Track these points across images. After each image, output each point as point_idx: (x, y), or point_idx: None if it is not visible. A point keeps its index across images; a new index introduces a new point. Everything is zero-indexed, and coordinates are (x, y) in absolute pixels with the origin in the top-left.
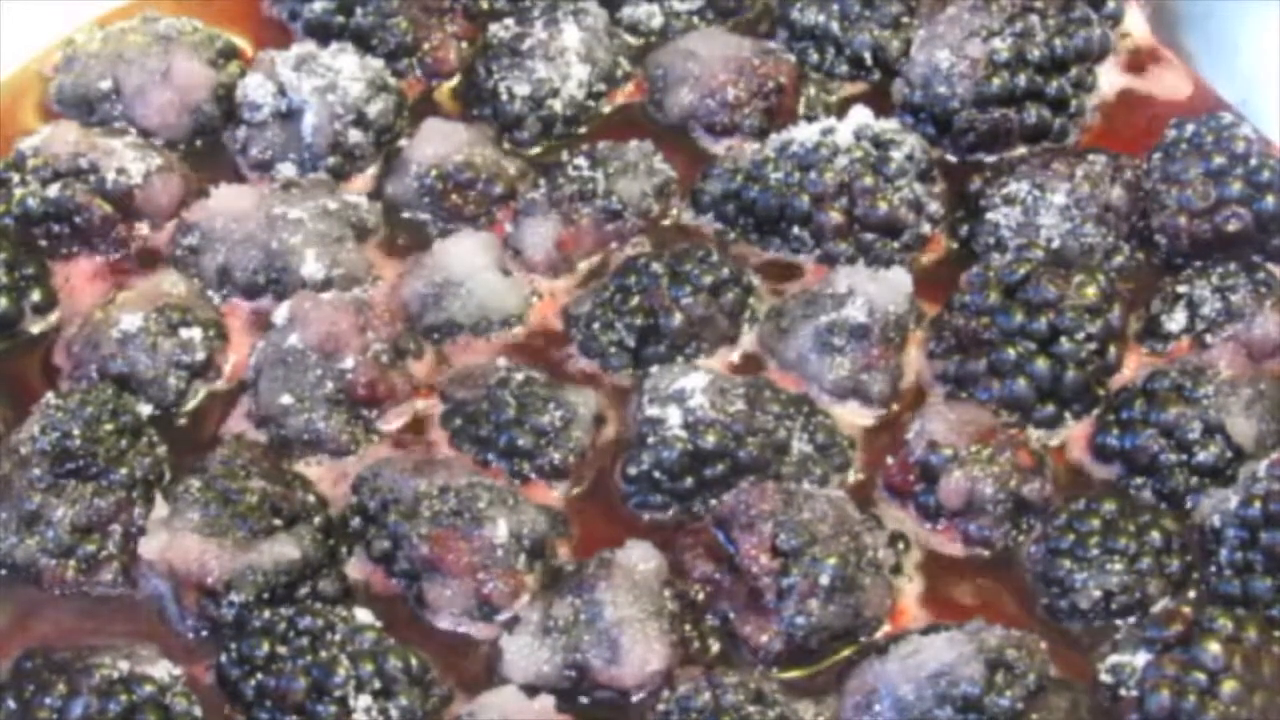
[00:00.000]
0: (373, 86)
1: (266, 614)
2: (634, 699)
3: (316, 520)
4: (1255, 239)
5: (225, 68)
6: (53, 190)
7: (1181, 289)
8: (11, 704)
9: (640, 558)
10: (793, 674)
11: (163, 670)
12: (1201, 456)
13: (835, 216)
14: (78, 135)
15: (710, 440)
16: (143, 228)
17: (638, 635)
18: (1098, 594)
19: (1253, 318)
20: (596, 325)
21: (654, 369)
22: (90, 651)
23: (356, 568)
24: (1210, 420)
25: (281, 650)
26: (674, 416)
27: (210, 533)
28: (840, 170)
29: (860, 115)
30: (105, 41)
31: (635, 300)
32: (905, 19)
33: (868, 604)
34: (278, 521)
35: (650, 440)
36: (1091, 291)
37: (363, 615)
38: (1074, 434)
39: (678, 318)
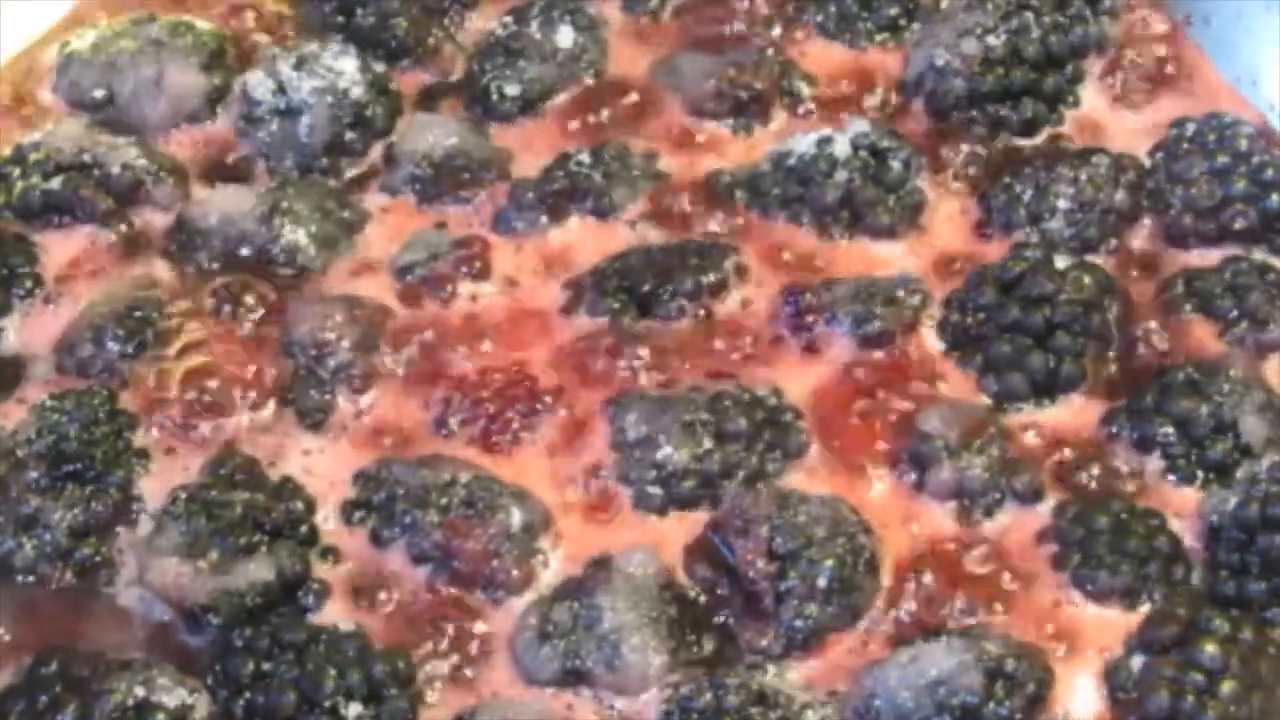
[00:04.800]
0: (372, 88)
1: (248, 632)
2: (634, 703)
3: (302, 530)
4: (1261, 237)
5: (219, 70)
6: (55, 183)
7: (1194, 284)
8: (21, 710)
9: (640, 561)
10: (793, 676)
11: (177, 698)
12: (1210, 453)
13: (839, 231)
14: (81, 132)
15: (686, 487)
16: (143, 223)
17: (637, 641)
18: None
19: (1260, 310)
20: (608, 286)
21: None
22: (106, 670)
23: (349, 570)
24: (1223, 417)
25: (266, 667)
26: (648, 474)
27: (189, 554)
28: (840, 184)
29: (857, 125)
30: (96, 48)
31: (645, 271)
32: (903, 21)
33: (866, 605)
34: (259, 537)
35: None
36: (1088, 285)
37: (346, 624)
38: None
39: (690, 283)
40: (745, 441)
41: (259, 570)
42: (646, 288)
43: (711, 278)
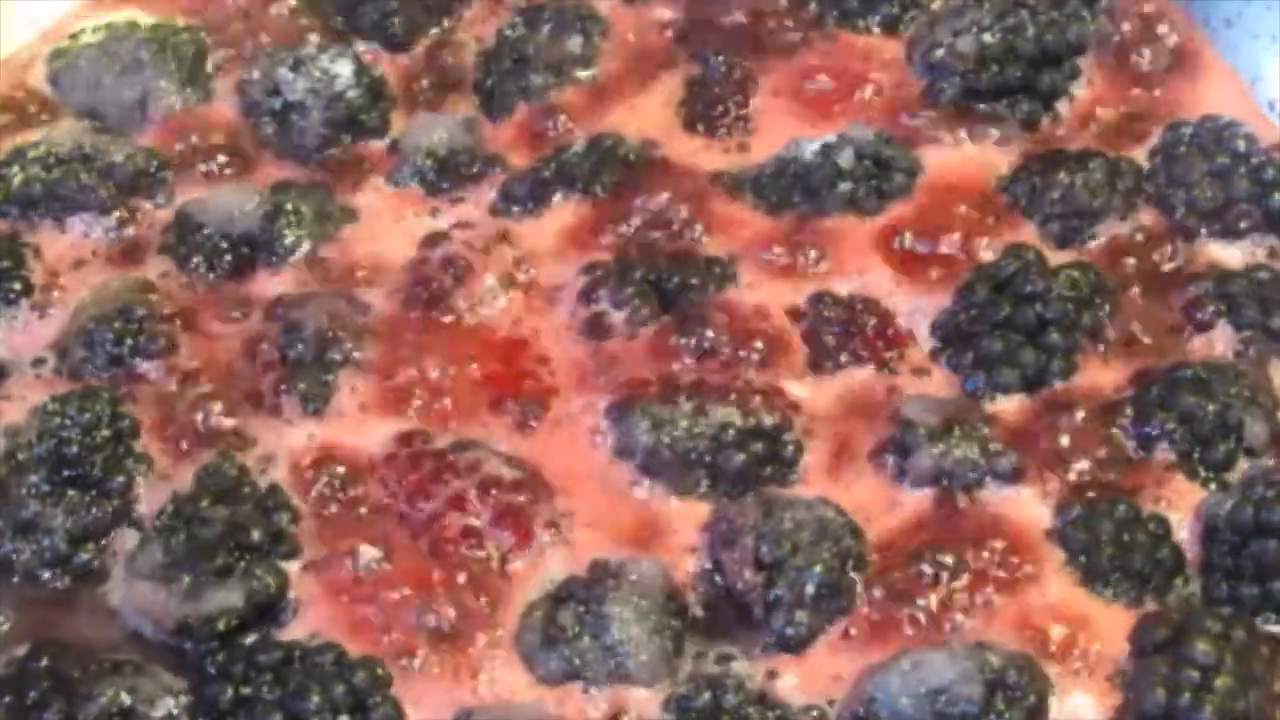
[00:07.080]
0: (368, 91)
1: (221, 657)
2: (635, 703)
3: (283, 548)
4: (1265, 237)
5: (202, 82)
6: (56, 174)
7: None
8: (9, 702)
9: (646, 572)
10: (791, 679)
11: (163, 709)
12: (1212, 452)
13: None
14: (80, 129)
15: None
16: (143, 218)
17: (645, 657)
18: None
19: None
20: (633, 275)
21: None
22: (97, 673)
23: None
24: (1229, 418)
25: (246, 691)
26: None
27: (163, 577)
28: (845, 195)
29: (859, 132)
30: (84, 62)
31: (670, 265)
32: (901, 19)
33: (857, 607)
34: (235, 557)
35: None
36: (1080, 283)
37: (320, 639)
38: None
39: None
40: (741, 485)
41: (229, 596)
42: (674, 282)
43: (730, 288)
